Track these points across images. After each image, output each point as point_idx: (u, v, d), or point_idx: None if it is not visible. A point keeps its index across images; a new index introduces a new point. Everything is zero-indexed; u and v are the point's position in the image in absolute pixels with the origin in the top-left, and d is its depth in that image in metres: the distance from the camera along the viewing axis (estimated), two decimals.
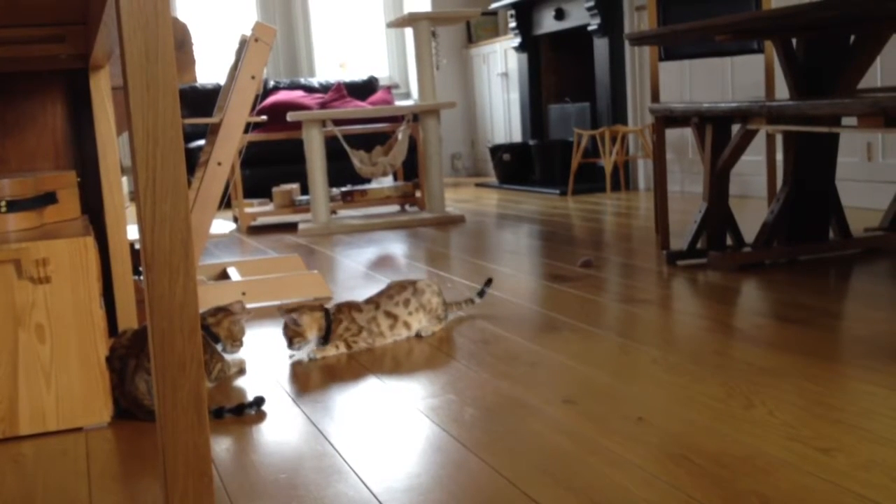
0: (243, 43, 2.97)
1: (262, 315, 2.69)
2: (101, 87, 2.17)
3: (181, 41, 2.59)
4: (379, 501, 1.33)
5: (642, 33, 3.17)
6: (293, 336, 2.17)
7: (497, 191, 6.59)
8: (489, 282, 2.60)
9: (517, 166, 6.69)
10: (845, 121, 3.59)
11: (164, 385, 0.98)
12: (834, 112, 2.45)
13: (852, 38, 2.90)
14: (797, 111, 2.57)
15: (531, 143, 6.55)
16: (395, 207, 5.46)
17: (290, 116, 4.60)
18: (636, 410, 1.65)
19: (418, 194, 5.18)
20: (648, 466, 1.39)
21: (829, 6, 2.39)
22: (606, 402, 1.71)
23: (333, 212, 5.11)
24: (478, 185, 7.09)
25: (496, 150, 6.79)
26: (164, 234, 0.96)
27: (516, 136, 7.34)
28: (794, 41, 3.03)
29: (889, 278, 2.66)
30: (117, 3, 0.93)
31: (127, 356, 1.78)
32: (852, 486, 1.27)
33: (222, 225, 3.17)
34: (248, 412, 1.77)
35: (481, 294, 2.57)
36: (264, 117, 4.24)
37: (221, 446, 1.61)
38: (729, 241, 3.12)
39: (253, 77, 2.68)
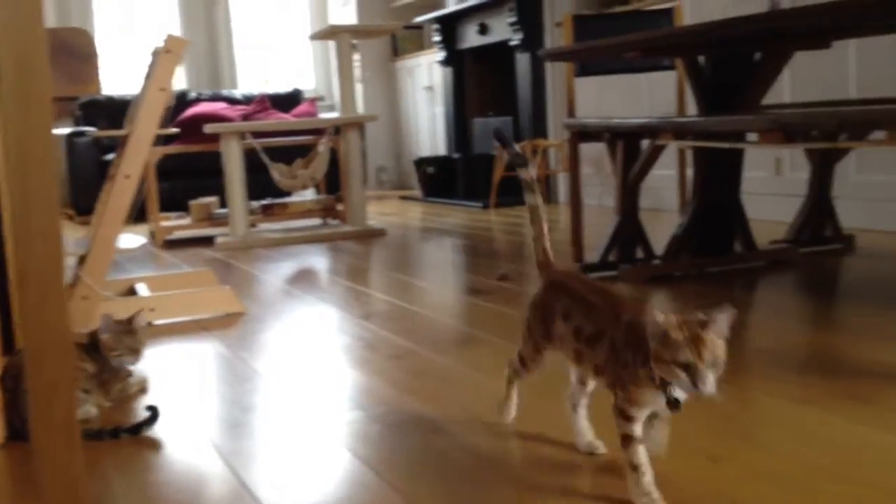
0: (156, 55, 2.92)
1: (170, 332, 2.64)
2: None
3: (87, 53, 2.54)
4: None
5: (555, 49, 3.21)
6: None
7: (421, 204, 6.60)
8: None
9: (442, 179, 6.71)
10: (751, 136, 3.69)
11: (37, 406, 0.95)
12: (736, 128, 2.52)
13: (757, 55, 2.98)
14: (701, 127, 2.63)
15: (455, 156, 6.58)
16: (317, 221, 5.43)
17: (207, 129, 4.54)
18: (545, 428, 1.66)
19: (340, 207, 5.15)
20: (575, 486, 1.40)
21: (733, 24, 2.46)
22: (515, 418, 1.71)
23: (253, 225, 5.04)
24: (402, 198, 7.09)
25: (421, 164, 6.81)
26: (35, 251, 0.94)
27: (441, 150, 7.37)
28: (703, 59, 3.10)
29: (792, 290, 2.73)
30: None
31: (20, 376, 1.72)
32: (740, 496, 1.30)
33: (133, 239, 3.11)
34: (145, 429, 1.74)
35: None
36: (176, 130, 4.18)
37: (116, 466, 1.57)
38: (640, 254, 3.18)
39: (162, 89, 2.64)
